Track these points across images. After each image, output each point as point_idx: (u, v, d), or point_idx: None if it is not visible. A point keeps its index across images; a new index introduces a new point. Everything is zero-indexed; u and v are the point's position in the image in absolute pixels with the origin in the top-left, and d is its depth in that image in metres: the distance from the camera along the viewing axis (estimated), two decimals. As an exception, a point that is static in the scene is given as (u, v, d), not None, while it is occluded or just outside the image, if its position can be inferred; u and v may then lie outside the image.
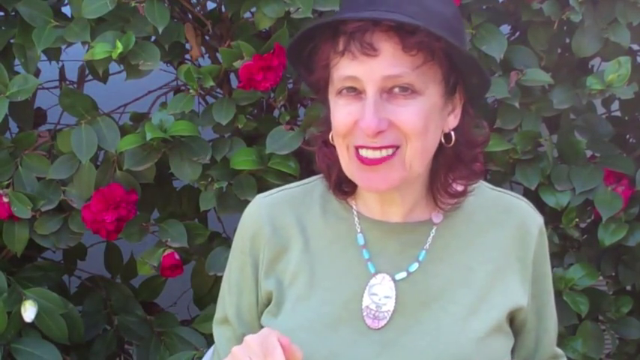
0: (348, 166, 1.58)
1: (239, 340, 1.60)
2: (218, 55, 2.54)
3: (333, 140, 1.61)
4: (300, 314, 1.63)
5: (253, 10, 2.45)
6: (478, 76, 1.59)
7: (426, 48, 1.51)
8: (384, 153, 1.54)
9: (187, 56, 2.60)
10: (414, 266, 1.63)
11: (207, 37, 2.61)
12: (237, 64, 2.38)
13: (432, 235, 1.65)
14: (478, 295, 1.63)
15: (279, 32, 2.39)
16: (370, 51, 1.50)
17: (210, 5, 2.66)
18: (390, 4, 1.51)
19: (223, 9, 2.59)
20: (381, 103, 1.52)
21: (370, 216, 1.66)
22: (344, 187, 1.66)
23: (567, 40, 2.60)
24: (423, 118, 1.53)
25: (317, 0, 2.35)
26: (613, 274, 2.73)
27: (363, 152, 1.55)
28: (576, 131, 2.64)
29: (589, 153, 2.64)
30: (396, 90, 1.52)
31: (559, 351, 1.77)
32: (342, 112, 1.55)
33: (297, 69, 1.67)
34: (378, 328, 1.60)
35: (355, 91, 1.54)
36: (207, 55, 2.65)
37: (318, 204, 1.69)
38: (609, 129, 2.66)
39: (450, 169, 1.62)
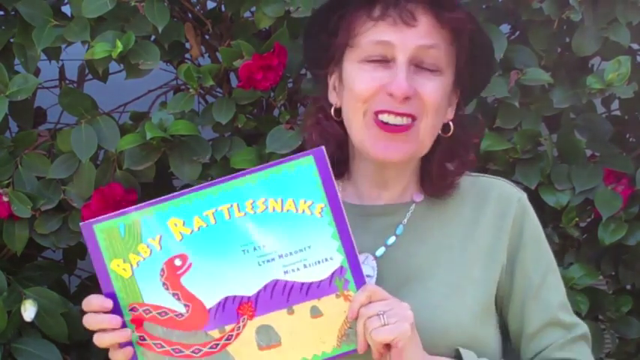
0: (363, 131, 1.59)
1: None
2: (218, 54, 2.53)
3: (335, 112, 1.62)
4: None
5: (253, 9, 2.45)
6: (486, 68, 1.65)
7: (458, 27, 1.56)
8: (404, 121, 1.56)
9: (187, 55, 2.60)
10: (392, 239, 1.65)
11: (207, 37, 2.61)
12: (237, 63, 2.38)
13: (410, 210, 1.66)
14: (461, 273, 1.63)
15: (279, 32, 2.39)
16: (410, 20, 1.54)
17: (210, 4, 2.66)
18: None
19: (223, 8, 2.59)
20: (410, 72, 1.56)
21: (357, 202, 1.67)
22: (336, 169, 1.64)
23: (567, 40, 2.60)
24: (441, 95, 1.58)
25: (317, -1, 2.36)
26: (613, 273, 2.72)
27: (384, 117, 1.56)
28: (576, 130, 2.64)
29: (589, 152, 2.64)
30: (423, 65, 1.57)
31: (569, 319, 1.71)
32: (366, 77, 1.57)
33: (313, 37, 1.66)
34: None
35: (382, 60, 1.56)
36: (207, 54, 2.65)
37: None
38: (609, 128, 2.65)
39: (442, 159, 1.65)
